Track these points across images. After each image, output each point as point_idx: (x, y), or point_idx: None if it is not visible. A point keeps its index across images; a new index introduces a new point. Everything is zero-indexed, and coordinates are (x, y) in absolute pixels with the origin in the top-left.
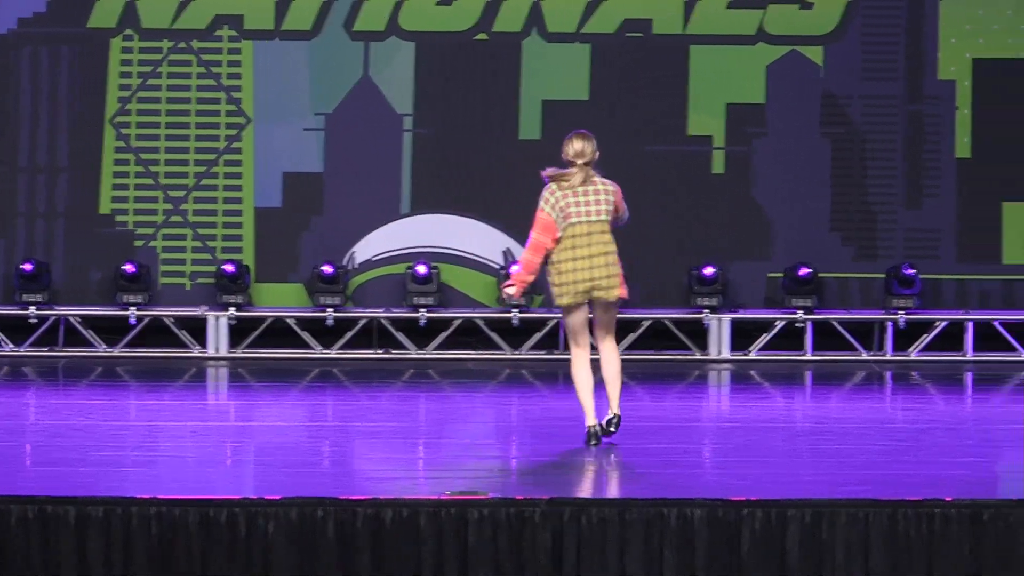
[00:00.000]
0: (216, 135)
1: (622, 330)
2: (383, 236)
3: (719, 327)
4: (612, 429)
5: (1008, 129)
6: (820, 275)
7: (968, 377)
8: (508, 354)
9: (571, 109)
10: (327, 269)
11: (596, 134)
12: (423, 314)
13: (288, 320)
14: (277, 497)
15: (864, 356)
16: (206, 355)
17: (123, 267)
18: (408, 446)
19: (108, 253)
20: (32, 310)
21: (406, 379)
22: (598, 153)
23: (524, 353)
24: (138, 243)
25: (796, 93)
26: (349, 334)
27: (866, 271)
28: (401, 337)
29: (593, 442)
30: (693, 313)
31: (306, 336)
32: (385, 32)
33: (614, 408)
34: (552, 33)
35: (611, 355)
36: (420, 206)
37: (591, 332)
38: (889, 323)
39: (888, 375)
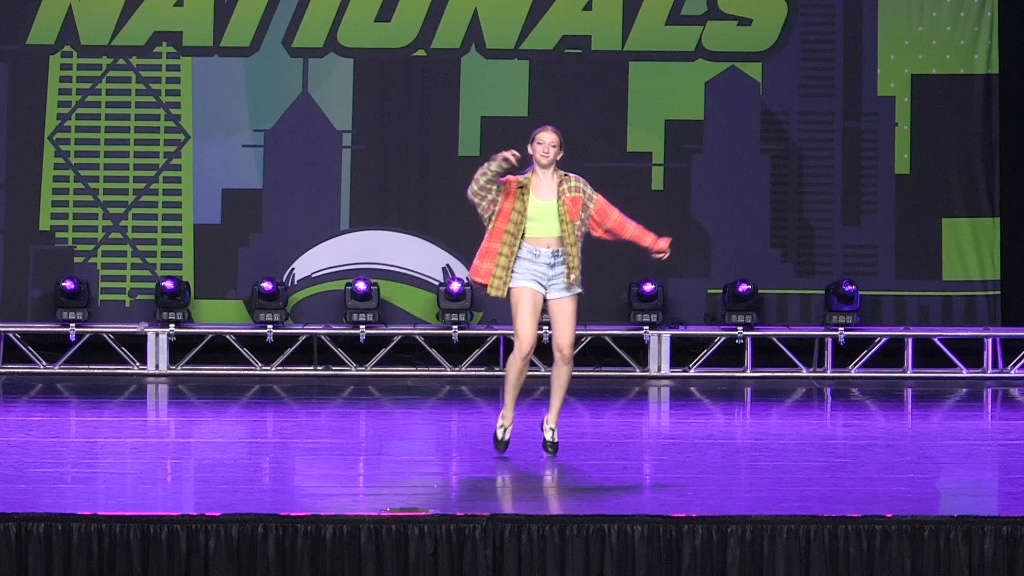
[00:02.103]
0: (155, 151)
1: None
2: (323, 253)
3: (659, 343)
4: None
5: (947, 145)
6: (760, 291)
7: (908, 393)
8: (448, 371)
9: (510, 125)
10: (267, 286)
11: None
12: (363, 331)
13: (228, 336)
14: (217, 514)
15: (804, 372)
16: (146, 372)
17: (63, 284)
18: (348, 463)
19: (48, 269)
20: None
21: (346, 396)
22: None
23: (464, 370)
24: (78, 259)
25: (735, 109)
26: (289, 351)
27: (806, 287)
28: (341, 354)
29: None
30: (633, 329)
31: (246, 353)
32: (324, 48)
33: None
34: (491, 49)
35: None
36: (359, 222)
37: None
38: (829, 339)
39: (828, 391)
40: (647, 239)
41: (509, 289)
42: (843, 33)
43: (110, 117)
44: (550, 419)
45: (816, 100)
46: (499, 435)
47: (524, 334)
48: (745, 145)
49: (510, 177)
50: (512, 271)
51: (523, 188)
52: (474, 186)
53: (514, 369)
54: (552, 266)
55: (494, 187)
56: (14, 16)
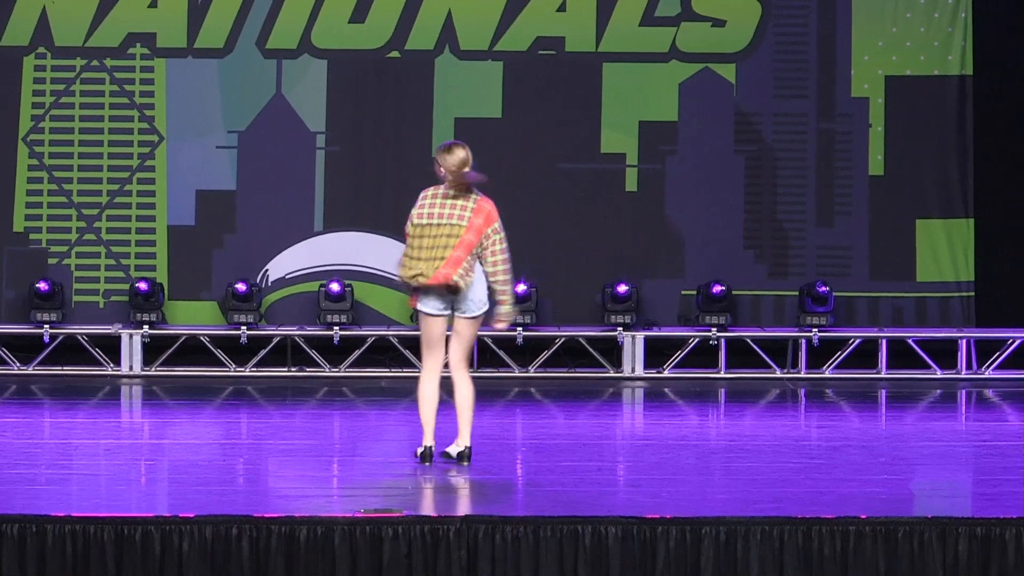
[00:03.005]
0: (129, 153)
1: (536, 347)
2: (297, 254)
3: (633, 344)
4: (465, 463)
5: (921, 146)
6: (734, 292)
7: (882, 394)
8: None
9: (484, 126)
10: (240, 287)
11: (509, 151)
12: (336, 332)
13: (202, 338)
14: (191, 515)
15: (778, 373)
16: (120, 373)
17: (37, 285)
18: (322, 464)
19: (21, 271)
20: None
21: (320, 397)
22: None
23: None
24: (52, 261)
25: (709, 111)
26: (263, 352)
27: (779, 288)
28: (315, 355)
29: (427, 462)
30: (606, 330)
31: (220, 354)
32: (298, 50)
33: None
34: (465, 51)
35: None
36: (333, 224)
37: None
38: (803, 340)
39: (802, 392)
40: (503, 299)
41: (417, 311)
42: (817, 34)
43: (84, 118)
44: (463, 438)
45: (790, 101)
46: (419, 452)
47: (428, 357)
48: (719, 146)
49: (426, 192)
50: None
51: (432, 201)
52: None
53: (426, 391)
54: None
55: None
56: None
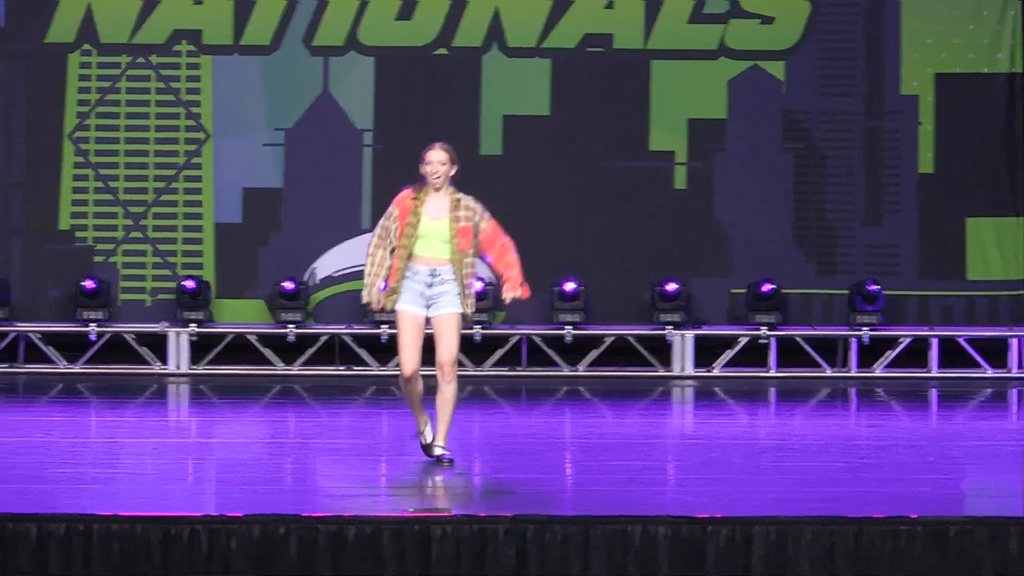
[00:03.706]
0: (175, 150)
1: (585, 346)
2: (344, 252)
3: (682, 343)
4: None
5: (971, 144)
6: (783, 291)
7: (932, 393)
8: (471, 370)
9: (532, 124)
10: (288, 285)
11: (557, 149)
12: (384, 330)
13: (249, 336)
14: (239, 514)
15: (828, 372)
16: (167, 371)
17: (83, 283)
18: (371, 463)
19: (68, 269)
20: None
21: (368, 396)
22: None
23: (487, 369)
24: (98, 259)
25: (757, 108)
26: (310, 350)
27: (828, 287)
28: (362, 353)
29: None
30: (656, 329)
31: (267, 352)
32: (344, 47)
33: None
34: (513, 48)
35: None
36: None
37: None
38: (853, 339)
39: (852, 391)
40: (511, 272)
41: (397, 311)
42: (865, 32)
43: (130, 116)
44: (438, 439)
45: (838, 99)
46: (423, 441)
47: (406, 359)
48: (768, 144)
49: (405, 192)
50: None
51: (417, 201)
52: (381, 275)
53: (409, 390)
54: (430, 285)
55: (379, 252)
56: (32, 15)
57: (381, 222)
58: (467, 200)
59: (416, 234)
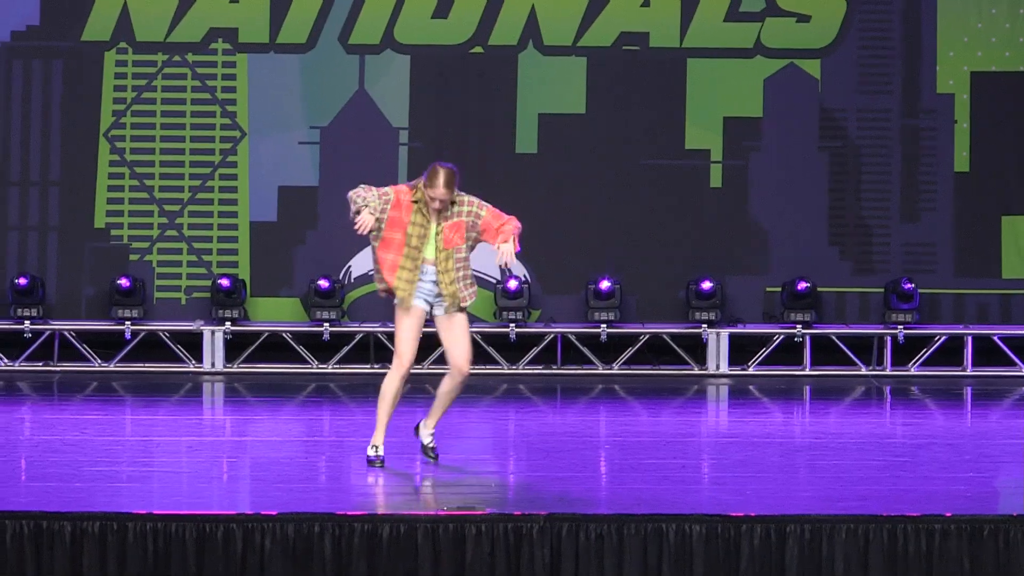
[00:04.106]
0: (211, 148)
1: (620, 344)
2: None
3: (717, 341)
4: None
5: (1007, 143)
6: (818, 289)
7: (967, 392)
8: (505, 369)
9: (568, 122)
10: (323, 283)
11: (593, 147)
12: None
13: (284, 334)
14: (273, 512)
15: (863, 371)
16: (202, 370)
17: (118, 281)
18: (405, 461)
19: (103, 267)
20: (27, 325)
21: (403, 394)
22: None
23: (521, 368)
24: (133, 257)
25: (793, 107)
26: (345, 348)
27: (864, 285)
28: None
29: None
30: (691, 327)
31: (302, 351)
32: (380, 45)
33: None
34: (548, 46)
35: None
36: None
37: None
38: (888, 337)
39: (887, 390)
40: (505, 230)
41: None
42: (902, 30)
43: (165, 114)
44: (429, 423)
45: (874, 97)
46: (371, 454)
47: (406, 351)
48: (804, 142)
49: (400, 188)
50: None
51: (418, 203)
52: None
53: (392, 387)
54: (436, 283)
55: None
56: (69, 13)
57: (374, 191)
58: (463, 197)
59: (426, 237)
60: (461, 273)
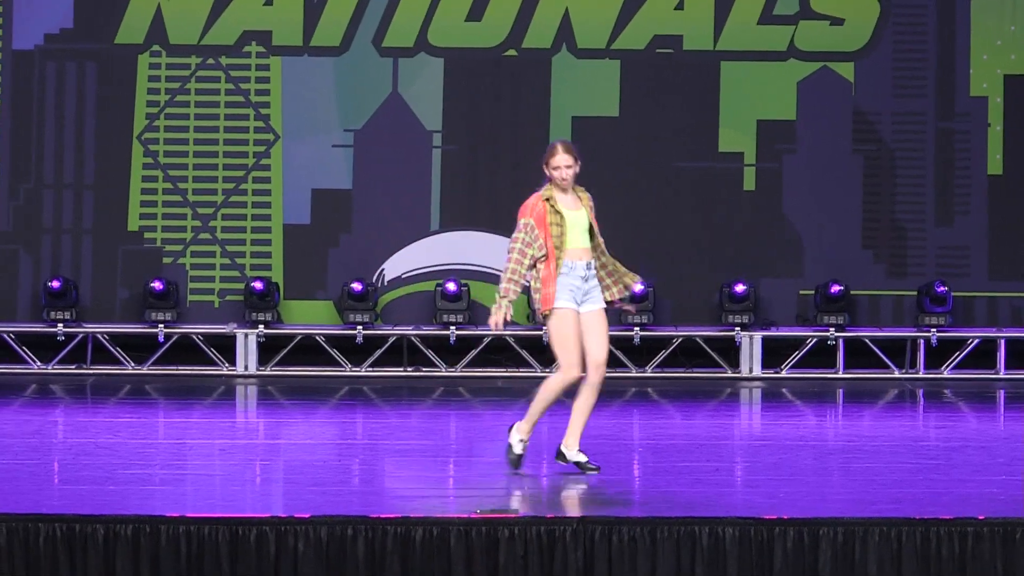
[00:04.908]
0: (244, 151)
1: (654, 347)
2: (413, 253)
3: (750, 344)
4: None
5: None
6: (852, 292)
7: (1000, 395)
8: (539, 371)
9: (601, 125)
10: (356, 286)
11: (626, 150)
12: (453, 331)
13: (317, 337)
14: (306, 515)
15: (896, 374)
16: (235, 373)
17: (151, 284)
18: (438, 464)
19: (136, 270)
20: (60, 327)
21: (436, 397)
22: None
23: (551, 371)
24: (166, 260)
25: (827, 109)
26: (378, 352)
27: (898, 288)
28: (431, 355)
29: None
30: (724, 330)
31: (335, 354)
32: (414, 48)
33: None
34: (582, 49)
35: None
36: (450, 223)
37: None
38: (921, 341)
39: (920, 393)
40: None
41: (556, 310)
42: (935, 33)
43: (199, 117)
44: (572, 443)
45: (908, 100)
46: (517, 450)
47: (575, 362)
48: (837, 145)
49: (531, 201)
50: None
51: (550, 201)
52: (515, 280)
53: (556, 394)
54: (586, 279)
55: (528, 253)
56: (103, 16)
57: (519, 237)
58: (585, 192)
59: (564, 231)
60: (612, 267)
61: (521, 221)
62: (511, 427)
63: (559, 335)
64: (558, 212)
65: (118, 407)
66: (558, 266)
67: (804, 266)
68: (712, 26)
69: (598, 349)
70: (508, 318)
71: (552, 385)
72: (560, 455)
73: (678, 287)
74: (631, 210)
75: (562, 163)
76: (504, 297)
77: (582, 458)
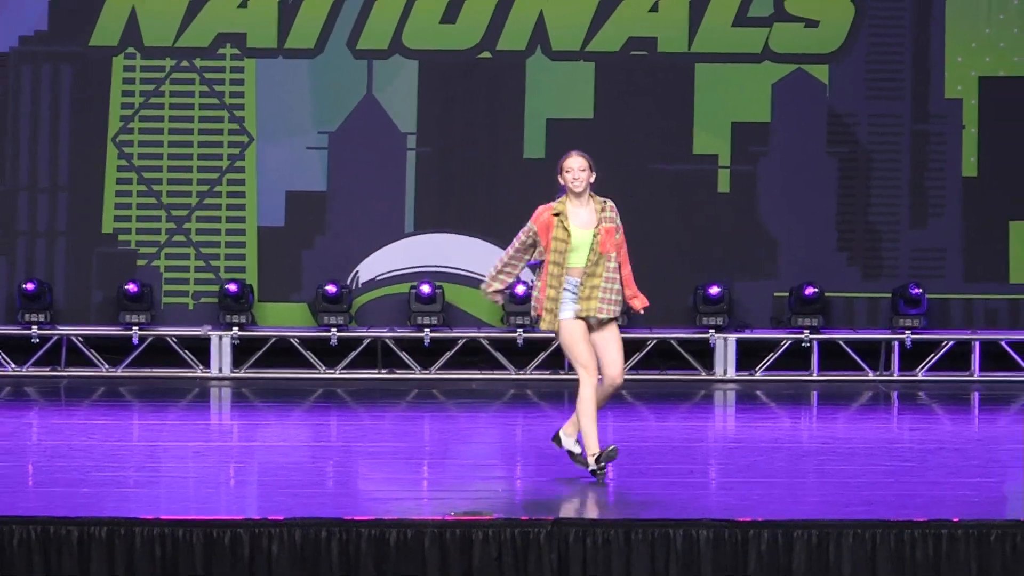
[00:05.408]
0: (219, 153)
1: (628, 349)
2: (387, 255)
3: (725, 346)
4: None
5: (1015, 148)
6: (826, 294)
7: (975, 397)
8: (513, 374)
9: (576, 127)
10: (331, 288)
11: (600, 152)
12: (427, 334)
13: (292, 340)
14: (280, 518)
15: (870, 376)
16: (209, 375)
17: (125, 286)
18: (412, 466)
19: (110, 272)
20: (34, 330)
21: (410, 399)
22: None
23: (529, 373)
24: (141, 262)
25: (802, 111)
26: (353, 354)
27: (872, 290)
28: (405, 357)
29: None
30: (699, 332)
31: (310, 356)
32: (388, 50)
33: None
34: (556, 51)
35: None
36: (424, 225)
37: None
38: (896, 343)
39: (894, 395)
40: (629, 290)
41: (560, 322)
42: (910, 35)
43: (173, 119)
44: (571, 431)
45: (883, 102)
46: (589, 463)
47: (590, 363)
48: (812, 147)
49: (541, 209)
50: (560, 303)
51: (559, 216)
52: (501, 277)
53: (589, 398)
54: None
55: (522, 259)
56: (77, 18)
57: (519, 238)
58: (610, 203)
59: (568, 249)
60: (606, 284)
61: (527, 225)
62: (555, 437)
63: (568, 347)
64: (566, 230)
65: (92, 409)
66: (560, 282)
67: (779, 268)
68: (687, 28)
69: (612, 367)
70: (499, 299)
71: (583, 395)
72: (557, 439)
73: (652, 289)
74: None
75: (574, 166)
76: (486, 288)
77: (576, 449)
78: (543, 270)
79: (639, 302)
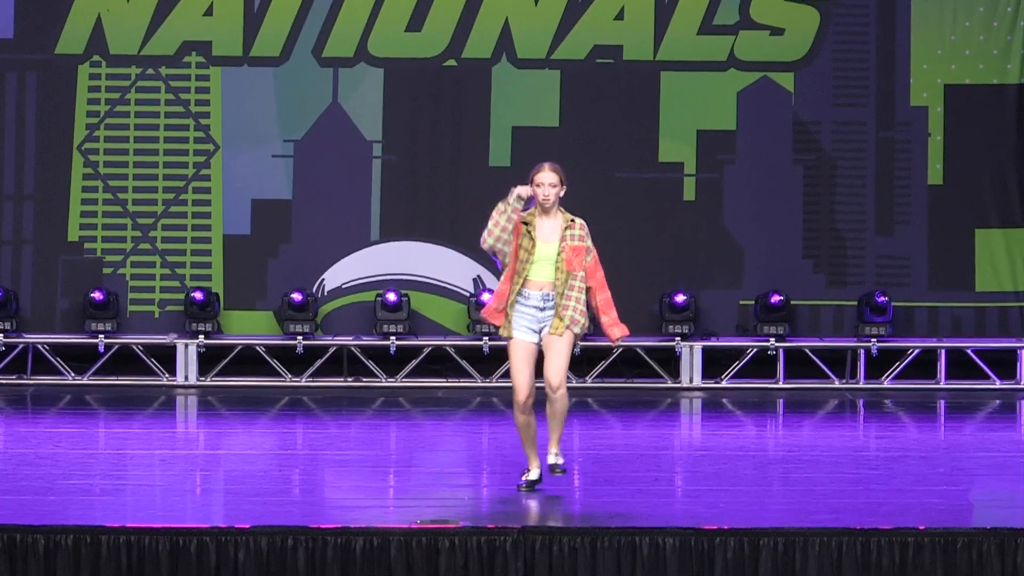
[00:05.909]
0: (185, 162)
1: (594, 357)
2: (353, 263)
3: (691, 355)
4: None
5: (981, 156)
6: (792, 302)
7: (941, 405)
8: (478, 382)
9: (541, 135)
10: (297, 297)
11: (566, 161)
12: (393, 342)
13: (258, 348)
14: (247, 526)
15: (836, 384)
16: (175, 383)
17: (91, 294)
18: (378, 474)
19: (76, 280)
20: (0, 338)
21: (376, 407)
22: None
23: (494, 381)
24: (107, 270)
25: (767, 119)
26: (319, 362)
27: (838, 298)
28: (371, 365)
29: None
30: (664, 340)
31: (276, 364)
32: (354, 58)
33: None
34: (522, 59)
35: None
36: (390, 233)
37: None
38: (862, 350)
39: (861, 403)
40: (607, 317)
41: (512, 338)
42: (876, 43)
43: (139, 127)
44: (551, 448)
45: (849, 110)
46: (528, 478)
47: (519, 385)
48: (777, 155)
49: (520, 188)
50: (515, 310)
51: (528, 225)
52: (495, 231)
53: (518, 419)
54: (542, 309)
55: (511, 227)
56: (43, 26)
57: (498, 207)
58: (580, 221)
59: (531, 259)
60: (574, 302)
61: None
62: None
63: (510, 364)
64: (532, 239)
65: (58, 417)
66: (515, 292)
67: (744, 276)
68: (652, 36)
69: (549, 372)
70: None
71: (515, 420)
72: (551, 467)
73: (618, 297)
74: None
75: (545, 180)
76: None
77: (553, 460)
78: (508, 269)
79: (619, 331)
